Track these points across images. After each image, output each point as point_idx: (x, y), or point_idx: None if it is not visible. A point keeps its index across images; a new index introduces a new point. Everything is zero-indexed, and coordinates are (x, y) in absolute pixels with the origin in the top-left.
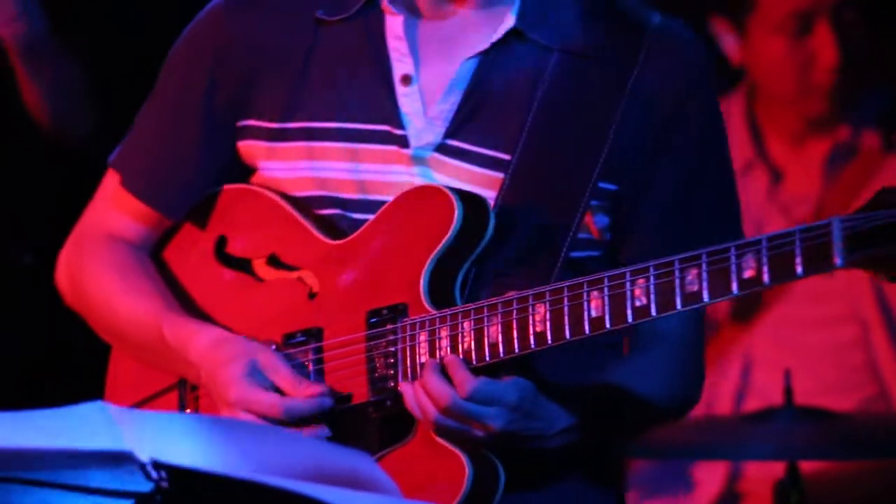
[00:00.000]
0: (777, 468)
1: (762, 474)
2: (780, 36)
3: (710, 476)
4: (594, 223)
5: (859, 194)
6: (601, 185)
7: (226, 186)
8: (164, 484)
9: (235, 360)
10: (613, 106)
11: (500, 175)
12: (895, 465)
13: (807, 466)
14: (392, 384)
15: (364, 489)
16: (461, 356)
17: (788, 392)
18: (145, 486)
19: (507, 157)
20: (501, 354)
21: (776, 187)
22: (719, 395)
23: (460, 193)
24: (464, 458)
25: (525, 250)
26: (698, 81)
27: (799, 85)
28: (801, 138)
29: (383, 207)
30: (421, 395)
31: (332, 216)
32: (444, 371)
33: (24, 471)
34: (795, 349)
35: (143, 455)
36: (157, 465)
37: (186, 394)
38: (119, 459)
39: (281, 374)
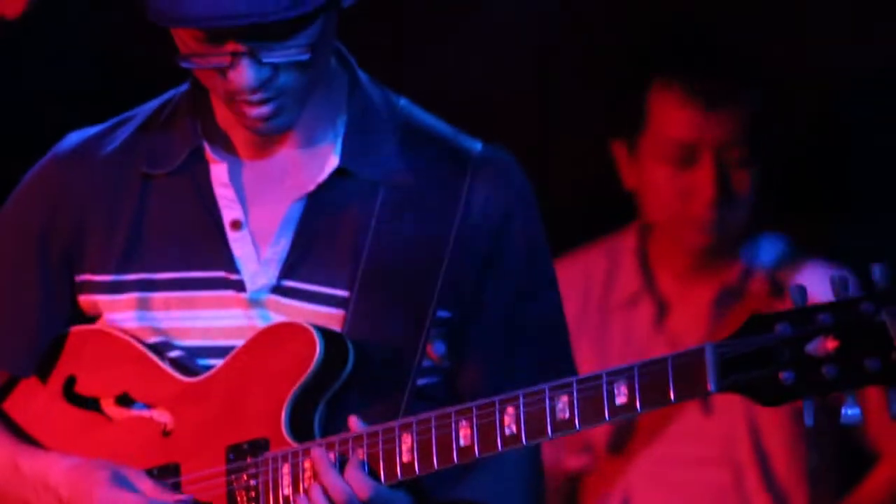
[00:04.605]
0: None
1: None
2: (665, 164)
3: None
4: (433, 350)
5: None
6: (438, 313)
7: (73, 328)
8: None
9: (99, 470)
10: (444, 234)
11: (340, 312)
12: None
13: None
14: None
15: None
16: None
17: None
18: None
19: (345, 293)
20: None
21: (662, 321)
22: None
23: (320, 329)
24: None
25: (373, 382)
26: (518, 203)
27: (679, 215)
28: (690, 276)
29: (240, 346)
30: (319, 497)
31: (183, 357)
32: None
33: None
34: (672, 489)
35: None
36: None
37: None
38: None
39: (146, 483)
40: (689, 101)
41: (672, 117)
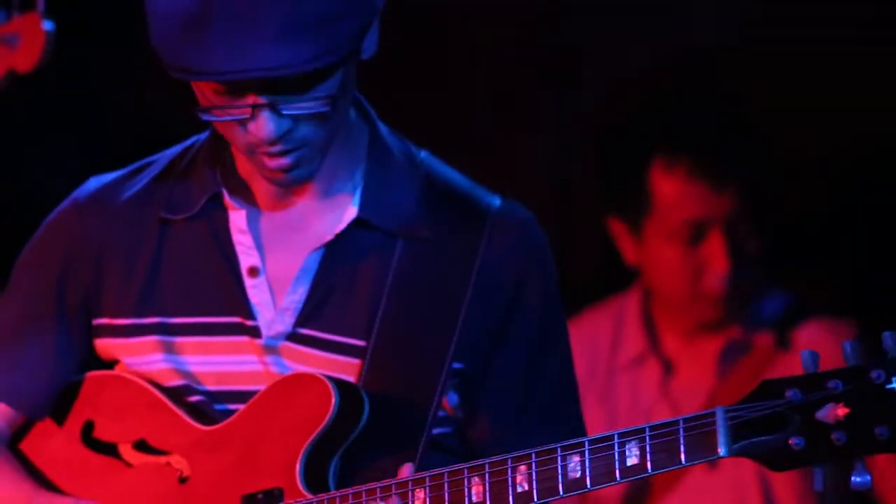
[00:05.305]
0: None
1: None
2: (674, 243)
3: None
4: (447, 401)
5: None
6: (453, 364)
7: (91, 373)
8: None
9: None
10: (461, 288)
11: (356, 361)
12: None
13: None
14: None
15: None
16: None
17: None
18: None
19: (361, 343)
20: None
21: (668, 380)
22: None
23: (336, 381)
24: None
25: (389, 432)
26: (536, 261)
27: (691, 291)
28: (695, 335)
29: (257, 395)
30: None
31: (200, 403)
32: None
33: None
34: None
35: None
36: None
37: None
38: None
39: None
40: (695, 180)
41: (679, 199)
